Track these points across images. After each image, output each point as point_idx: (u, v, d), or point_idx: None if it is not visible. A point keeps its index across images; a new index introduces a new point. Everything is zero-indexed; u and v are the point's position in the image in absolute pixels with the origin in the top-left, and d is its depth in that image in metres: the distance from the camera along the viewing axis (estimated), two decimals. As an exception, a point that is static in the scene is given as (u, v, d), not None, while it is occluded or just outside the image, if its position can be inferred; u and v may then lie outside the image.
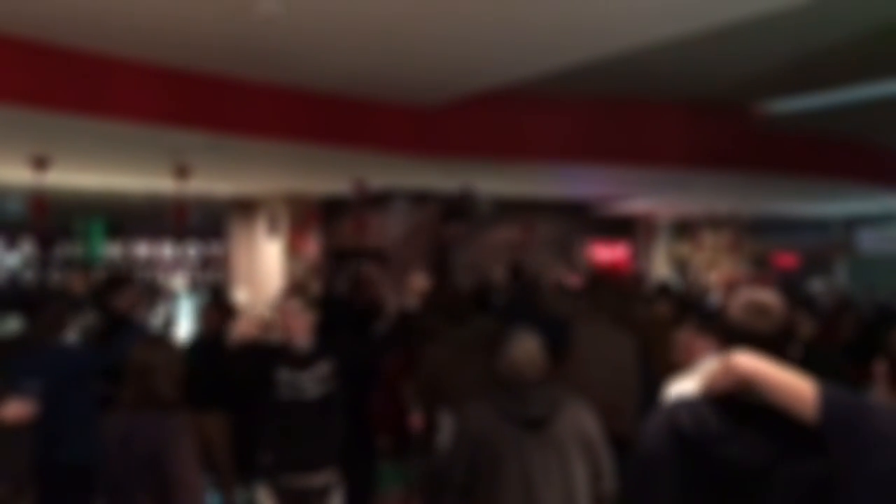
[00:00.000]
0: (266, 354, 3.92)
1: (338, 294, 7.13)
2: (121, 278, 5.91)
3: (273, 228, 9.85)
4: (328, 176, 7.70)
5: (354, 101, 5.85)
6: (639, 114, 7.00)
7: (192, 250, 12.69)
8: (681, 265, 12.82)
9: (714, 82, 6.31)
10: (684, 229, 13.11)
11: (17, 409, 3.26)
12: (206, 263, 12.73)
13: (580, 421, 3.02)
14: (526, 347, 3.07)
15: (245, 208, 10.49)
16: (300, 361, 3.83)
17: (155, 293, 6.22)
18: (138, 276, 11.51)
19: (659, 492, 1.97)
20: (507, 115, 6.56)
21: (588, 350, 4.28)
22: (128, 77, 4.83)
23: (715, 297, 9.69)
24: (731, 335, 1.99)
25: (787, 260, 13.91)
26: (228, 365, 3.95)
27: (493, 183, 8.50)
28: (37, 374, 3.73)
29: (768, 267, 13.38)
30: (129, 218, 11.91)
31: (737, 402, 1.87)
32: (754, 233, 13.02)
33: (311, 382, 3.83)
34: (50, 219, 6.63)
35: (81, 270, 8.23)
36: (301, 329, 3.86)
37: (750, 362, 1.85)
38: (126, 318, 4.84)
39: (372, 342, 4.62)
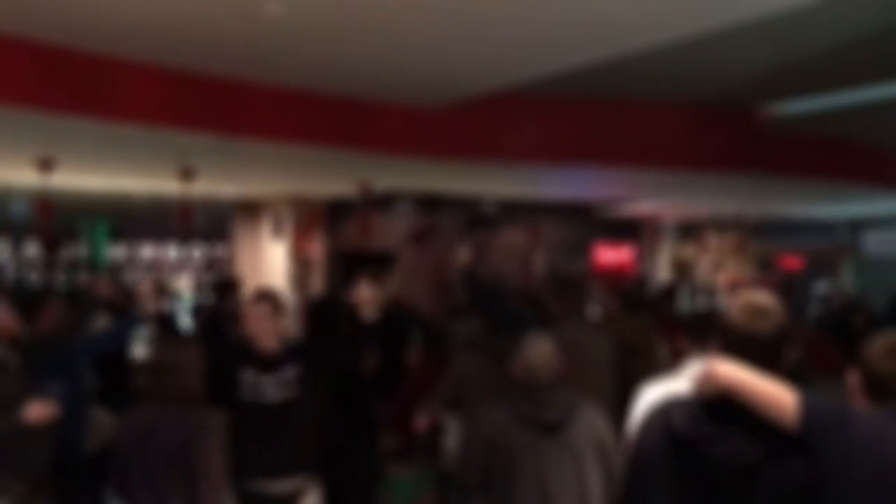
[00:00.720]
0: (231, 353, 3.90)
1: (336, 297, 7.13)
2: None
3: (277, 230, 9.86)
4: (333, 178, 7.70)
5: (359, 103, 5.85)
6: (644, 116, 6.98)
7: (197, 252, 12.70)
8: (686, 267, 12.80)
9: (719, 84, 6.30)
10: (689, 231, 13.09)
11: (41, 410, 3.27)
12: (211, 265, 12.74)
13: (595, 425, 3.01)
14: (540, 350, 3.05)
15: (250, 210, 10.50)
16: (265, 364, 3.77)
17: (163, 291, 6.25)
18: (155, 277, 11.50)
19: (653, 490, 2.00)
20: (512, 117, 6.55)
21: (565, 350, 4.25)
22: (133, 79, 4.83)
23: (722, 300, 9.67)
24: (729, 337, 2.02)
25: (792, 262, 13.87)
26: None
27: (498, 185, 8.49)
28: (58, 374, 3.76)
29: (773, 269, 13.35)
30: (133, 220, 11.94)
31: (726, 404, 1.90)
32: (759, 235, 12.99)
33: (273, 386, 3.76)
34: (55, 221, 6.64)
35: (107, 273, 8.29)
36: (266, 333, 3.80)
37: (729, 372, 1.90)
38: (124, 310, 4.88)
39: (348, 345, 4.58)
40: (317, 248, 9.83)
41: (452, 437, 4.36)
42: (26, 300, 4.35)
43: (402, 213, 9.36)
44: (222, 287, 6.16)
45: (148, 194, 9.05)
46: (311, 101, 5.62)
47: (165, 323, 4.70)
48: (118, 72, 4.76)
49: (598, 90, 6.41)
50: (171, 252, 12.76)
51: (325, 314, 4.73)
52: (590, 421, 3.00)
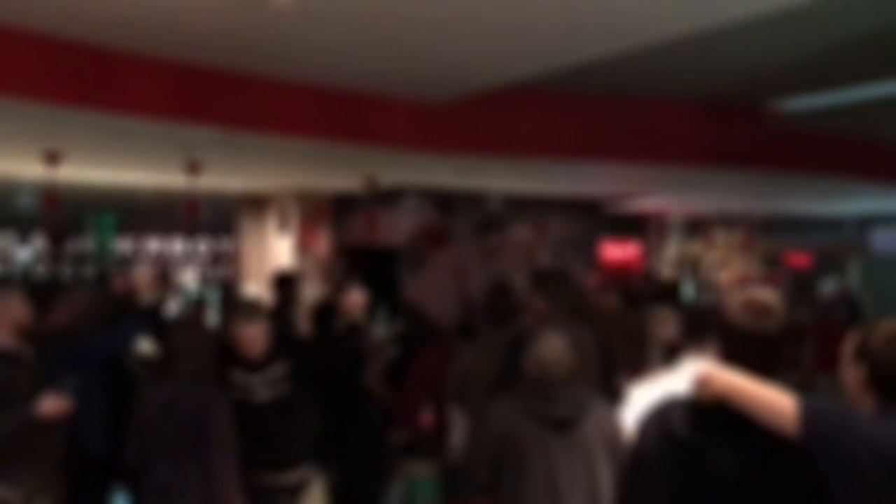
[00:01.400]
0: (220, 352, 3.90)
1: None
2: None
3: (283, 225, 9.85)
4: (339, 172, 7.69)
5: (366, 97, 5.83)
6: (652, 111, 6.95)
7: (203, 246, 12.71)
8: (693, 264, 12.76)
9: (728, 80, 6.27)
10: (696, 228, 13.04)
11: (54, 405, 3.27)
12: (217, 259, 12.75)
13: (606, 422, 2.98)
14: (553, 346, 3.02)
15: (256, 204, 10.50)
16: (252, 364, 3.78)
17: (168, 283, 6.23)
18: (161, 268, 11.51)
19: (652, 493, 1.97)
20: (519, 112, 6.52)
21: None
22: (140, 72, 4.82)
23: (721, 297, 9.63)
24: (728, 335, 1.96)
25: (799, 259, 13.82)
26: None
27: (504, 181, 8.47)
28: (72, 368, 3.75)
29: (780, 266, 13.30)
30: (139, 213, 11.94)
31: (724, 409, 1.86)
32: (767, 232, 12.94)
33: (262, 386, 3.78)
34: (61, 214, 6.64)
35: (118, 268, 8.29)
36: (257, 350, 3.79)
37: (724, 379, 1.85)
38: (128, 304, 4.85)
39: (330, 342, 4.58)
40: (322, 243, 9.82)
41: (458, 433, 4.35)
42: (35, 293, 4.34)
43: (408, 209, 9.34)
44: (283, 282, 6.26)
45: (154, 188, 9.05)
46: (317, 94, 5.61)
47: (151, 318, 4.64)
48: (125, 65, 4.75)
49: (606, 85, 6.38)
50: (177, 246, 12.77)
51: (325, 317, 4.75)
52: (601, 418, 2.97)
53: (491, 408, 3.06)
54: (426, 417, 4.35)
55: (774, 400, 1.78)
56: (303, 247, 9.83)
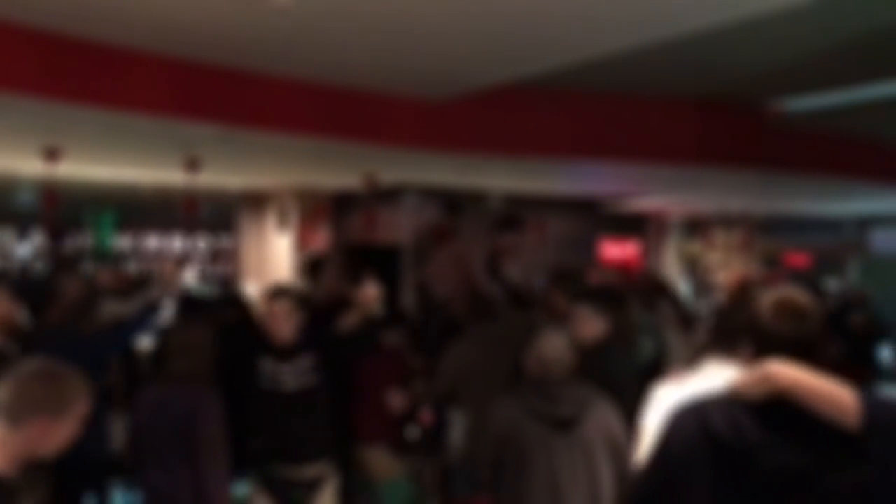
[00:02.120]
0: (251, 340, 3.92)
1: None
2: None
3: (283, 222, 9.85)
4: (339, 170, 7.69)
5: (366, 94, 5.82)
6: (652, 110, 6.95)
7: (202, 243, 12.70)
8: (693, 263, 12.76)
9: (728, 80, 6.26)
10: (695, 228, 13.04)
11: None
12: (216, 256, 12.74)
13: (608, 422, 2.97)
14: (555, 345, 3.02)
15: (255, 202, 10.49)
16: (283, 353, 3.82)
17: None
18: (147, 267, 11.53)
19: (691, 495, 1.88)
20: (519, 110, 6.52)
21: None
22: (140, 68, 4.82)
23: (719, 297, 9.64)
24: (762, 341, 1.89)
25: (799, 259, 13.82)
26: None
27: (504, 179, 8.46)
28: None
29: (780, 266, 13.30)
30: (139, 210, 11.94)
31: (775, 409, 1.80)
32: (766, 232, 12.94)
33: (291, 375, 3.81)
34: (60, 210, 6.63)
35: (110, 265, 8.30)
36: (285, 331, 3.83)
37: (788, 373, 1.79)
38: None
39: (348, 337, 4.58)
40: (322, 241, 9.82)
41: (457, 431, 4.35)
42: (32, 291, 4.33)
43: (408, 207, 9.34)
44: (314, 266, 6.45)
45: (154, 185, 9.04)
46: (317, 92, 5.60)
47: (188, 303, 4.69)
48: (125, 61, 4.74)
49: (607, 84, 6.38)
50: (177, 243, 12.77)
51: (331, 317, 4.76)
52: (603, 417, 2.97)
53: (493, 407, 3.06)
54: (425, 416, 4.36)
55: (836, 394, 1.74)
56: (302, 244, 9.83)
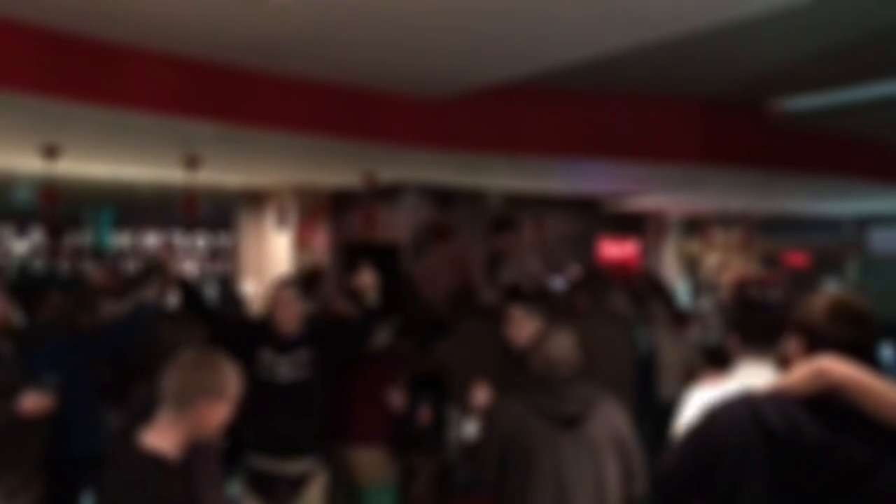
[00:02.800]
0: (252, 331, 3.94)
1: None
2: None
3: (282, 220, 9.84)
4: (338, 168, 7.68)
5: (366, 92, 5.82)
6: (652, 110, 6.94)
7: (201, 241, 12.70)
8: (693, 263, 12.76)
9: (728, 79, 6.26)
10: (695, 227, 13.04)
11: (36, 401, 3.23)
12: (215, 254, 12.73)
13: (614, 420, 2.95)
14: (561, 344, 2.99)
15: (254, 200, 10.48)
16: (283, 345, 3.84)
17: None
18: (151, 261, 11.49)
19: (743, 488, 1.86)
20: (519, 109, 6.51)
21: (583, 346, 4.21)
22: (139, 66, 4.81)
23: (722, 296, 9.65)
24: (817, 345, 1.88)
25: (798, 259, 13.82)
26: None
27: (503, 178, 8.46)
28: (54, 365, 3.71)
29: (779, 266, 13.30)
30: (138, 208, 11.93)
31: (831, 407, 1.79)
32: (765, 231, 12.94)
33: (287, 367, 3.83)
34: (59, 208, 6.62)
35: (107, 263, 8.29)
36: (289, 318, 3.86)
37: (842, 369, 1.78)
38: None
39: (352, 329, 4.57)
40: (321, 239, 9.81)
41: (455, 429, 4.34)
42: (29, 289, 4.32)
43: (407, 205, 9.33)
44: (310, 280, 6.28)
45: (153, 182, 9.03)
46: (317, 90, 5.59)
47: (190, 292, 4.66)
48: (125, 59, 4.73)
49: (607, 83, 6.37)
50: (176, 241, 12.76)
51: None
52: (609, 416, 2.94)
53: (497, 407, 3.04)
54: (423, 414, 4.35)
55: (890, 392, 1.74)
56: (301, 243, 9.82)
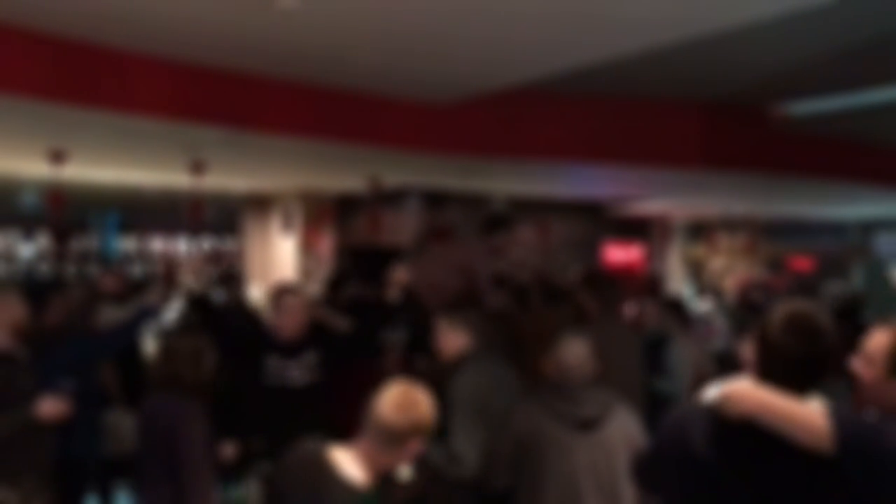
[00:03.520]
0: (257, 339, 3.96)
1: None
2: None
3: (287, 225, 9.86)
4: (343, 173, 7.70)
5: (371, 97, 5.83)
6: (656, 114, 6.95)
7: (207, 245, 12.73)
8: (698, 267, 12.75)
9: (732, 83, 6.26)
10: (699, 231, 13.03)
11: (53, 407, 3.26)
12: (220, 259, 12.76)
13: (628, 426, 2.95)
14: (575, 352, 2.97)
15: (260, 204, 10.51)
16: (288, 350, 3.89)
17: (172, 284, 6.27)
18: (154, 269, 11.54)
19: (666, 497, 1.95)
20: (523, 114, 6.53)
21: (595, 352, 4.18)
22: (146, 72, 4.83)
23: (728, 300, 9.63)
24: (769, 356, 1.85)
25: (803, 263, 13.80)
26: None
27: (509, 183, 8.47)
28: (68, 370, 3.75)
29: (784, 270, 13.28)
30: (143, 213, 11.96)
31: (748, 429, 1.77)
32: (770, 235, 12.92)
33: (298, 370, 3.88)
34: (66, 212, 6.65)
35: (115, 267, 8.33)
36: (295, 325, 3.89)
37: (752, 397, 1.76)
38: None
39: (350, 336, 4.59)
40: (326, 243, 9.83)
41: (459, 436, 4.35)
42: (36, 292, 4.34)
43: (411, 209, 9.36)
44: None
45: (158, 187, 9.07)
46: (322, 95, 5.62)
47: (196, 304, 4.70)
48: (131, 64, 4.76)
49: (610, 88, 6.38)
50: (181, 245, 12.80)
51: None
52: (624, 421, 2.95)
53: (514, 410, 3.02)
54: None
55: (805, 416, 1.71)
56: (306, 247, 9.84)
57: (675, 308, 5.32)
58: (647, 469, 2.11)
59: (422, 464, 2.89)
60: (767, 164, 7.51)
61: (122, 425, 4.44)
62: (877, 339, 2.00)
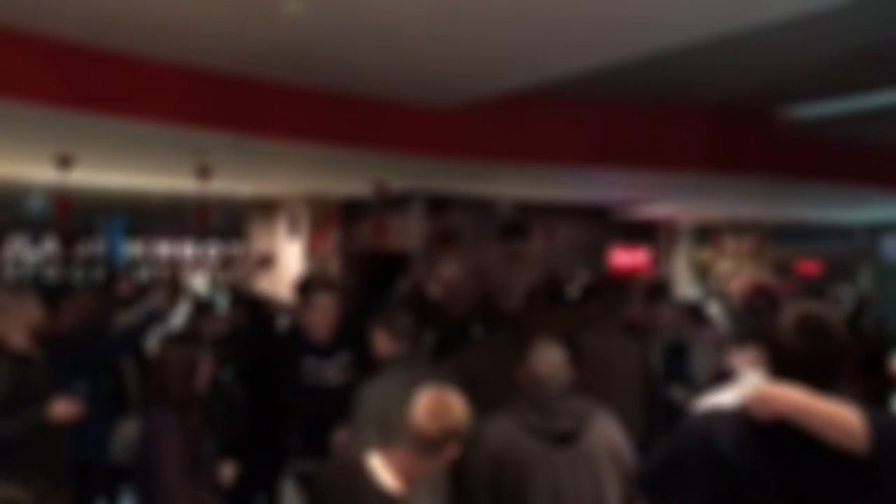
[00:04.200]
0: (293, 340, 4.01)
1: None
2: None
3: (293, 229, 9.88)
4: (349, 177, 7.71)
5: (376, 102, 5.84)
6: (662, 118, 6.94)
7: (213, 250, 12.75)
8: (702, 271, 12.72)
9: (738, 87, 6.25)
10: (706, 235, 13.00)
11: (66, 408, 3.28)
12: (226, 263, 12.78)
13: (609, 432, 2.76)
14: (549, 360, 2.77)
15: (265, 209, 10.53)
16: (323, 350, 3.95)
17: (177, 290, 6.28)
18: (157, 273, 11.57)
19: (681, 494, 1.90)
20: (529, 118, 6.53)
21: (596, 357, 4.04)
22: (153, 77, 4.85)
23: (734, 303, 9.61)
24: (781, 358, 1.84)
25: (809, 267, 13.75)
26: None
27: (514, 186, 8.47)
28: (82, 372, 3.77)
29: (791, 274, 13.24)
30: (150, 217, 12.00)
31: (779, 431, 1.75)
32: (777, 239, 12.88)
33: (334, 370, 3.94)
34: (72, 217, 6.68)
35: (124, 272, 8.37)
36: (324, 325, 3.94)
37: (789, 398, 1.73)
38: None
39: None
40: (332, 247, 9.84)
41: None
42: (44, 296, 4.36)
43: (416, 214, 9.36)
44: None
45: (165, 192, 9.09)
46: (328, 100, 5.63)
47: (199, 308, 4.73)
48: (138, 70, 4.77)
49: (616, 92, 6.37)
50: (188, 249, 12.83)
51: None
52: (604, 430, 2.76)
53: (485, 427, 2.74)
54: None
55: (841, 416, 1.68)
56: (312, 251, 9.85)
57: (693, 312, 5.26)
58: (661, 477, 2.04)
59: None
60: (774, 167, 7.50)
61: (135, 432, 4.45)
62: None
